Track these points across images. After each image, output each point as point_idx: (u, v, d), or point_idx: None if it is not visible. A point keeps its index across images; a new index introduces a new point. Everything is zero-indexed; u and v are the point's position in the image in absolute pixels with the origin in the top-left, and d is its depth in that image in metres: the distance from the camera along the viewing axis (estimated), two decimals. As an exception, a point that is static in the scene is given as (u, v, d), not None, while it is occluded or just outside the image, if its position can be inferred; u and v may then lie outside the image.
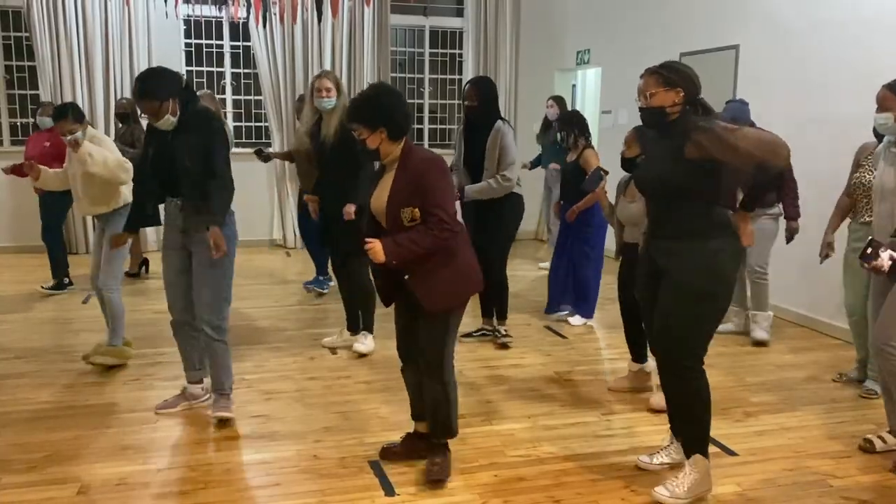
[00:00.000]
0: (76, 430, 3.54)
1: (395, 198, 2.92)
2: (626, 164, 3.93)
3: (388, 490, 3.02)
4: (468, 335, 5.11)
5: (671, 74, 2.89)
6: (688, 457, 3.02)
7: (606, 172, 4.45)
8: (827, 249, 4.27)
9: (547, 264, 6.49)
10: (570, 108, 9.71)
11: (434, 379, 3.07)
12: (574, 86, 9.82)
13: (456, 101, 9.61)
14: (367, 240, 2.90)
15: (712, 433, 3.28)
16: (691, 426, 3.01)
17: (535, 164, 7.90)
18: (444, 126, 9.75)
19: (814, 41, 5.51)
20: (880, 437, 3.45)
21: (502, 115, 4.97)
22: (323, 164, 4.61)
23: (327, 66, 8.56)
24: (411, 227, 2.89)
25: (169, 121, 3.44)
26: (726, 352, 4.95)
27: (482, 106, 4.78)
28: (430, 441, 3.21)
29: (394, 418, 3.75)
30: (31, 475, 3.10)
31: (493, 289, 4.85)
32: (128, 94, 8.11)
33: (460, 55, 9.49)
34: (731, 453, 3.43)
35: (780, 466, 3.30)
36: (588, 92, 9.77)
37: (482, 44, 9.21)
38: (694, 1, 6.88)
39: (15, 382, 4.18)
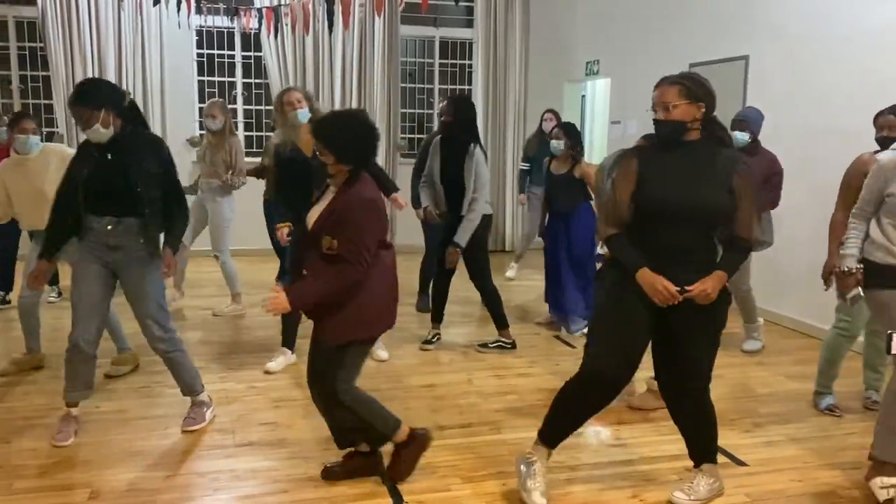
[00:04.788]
0: (86, 437, 3.56)
1: (321, 222, 2.90)
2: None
3: (396, 498, 3.03)
4: (484, 345, 5.12)
5: (696, 88, 2.76)
6: (698, 465, 3.04)
7: None
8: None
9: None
10: (581, 119, 9.80)
11: (333, 407, 3.04)
12: (583, 96, 9.85)
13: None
14: (274, 290, 2.87)
15: (721, 443, 3.27)
16: (713, 439, 3.04)
17: (522, 186, 7.58)
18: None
19: (823, 52, 5.51)
20: None
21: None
22: (297, 178, 4.40)
23: (338, 77, 8.63)
24: (327, 255, 2.85)
25: (99, 132, 3.36)
26: (735, 363, 4.94)
27: (457, 123, 4.91)
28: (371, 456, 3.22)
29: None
30: (42, 480, 3.12)
31: (488, 300, 5.13)
32: (140, 104, 8.19)
33: (470, 66, 9.52)
34: (741, 464, 3.41)
35: (788, 477, 3.29)
36: (597, 103, 9.79)
37: (492, 54, 9.25)
38: (703, 12, 6.90)
39: (25, 389, 4.21)
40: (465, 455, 3.43)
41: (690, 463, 3.10)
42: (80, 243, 3.50)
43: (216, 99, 6.08)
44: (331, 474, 3.19)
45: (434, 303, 5.27)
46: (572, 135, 5.40)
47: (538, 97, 9.37)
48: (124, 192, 3.41)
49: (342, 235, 2.83)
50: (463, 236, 4.86)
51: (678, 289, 2.72)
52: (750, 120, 4.94)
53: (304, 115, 4.45)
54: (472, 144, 4.86)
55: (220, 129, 5.78)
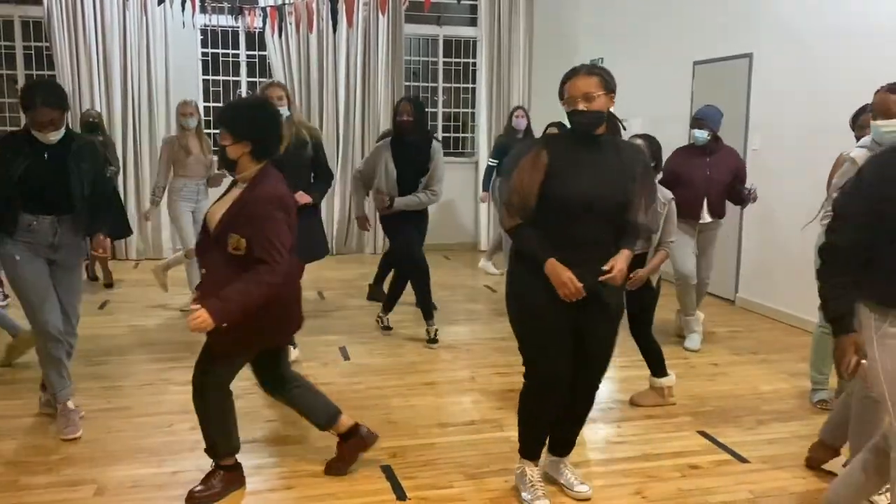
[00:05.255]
0: (92, 433, 3.58)
1: (228, 219, 2.77)
2: None
3: (400, 494, 3.05)
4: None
5: (610, 79, 2.76)
6: (566, 455, 3.15)
7: None
8: None
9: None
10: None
11: (196, 396, 2.96)
12: (587, 94, 9.83)
13: (470, 110, 9.66)
14: (193, 307, 2.69)
15: (724, 440, 3.29)
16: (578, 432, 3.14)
17: (487, 183, 7.29)
18: (458, 134, 9.79)
19: (827, 49, 5.50)
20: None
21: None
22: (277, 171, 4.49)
23: (342, 76, 8.65)
24: (233, 255, 2.73)
25: (59, 134, 3.42)
26: (738, 360, 4.94)
27: (417, 123, 5.03)
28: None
29: (405, 423, 3.77)
30: (49, 477, 3.15)
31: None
32: (145, 103, 8.23)
33: (474, 64, 9.54)
34: (743, 460, 3.42)
35: (791, 474, 3.30)
36: (601, 101, 9.78)
37: (495, 53, 9.26)
38: (707, 9, 6.88)
39: (32, 387, 4.22)
40: (467, 452, 3.45)
41: (693, 460, 3.11)
42: (18, 242, 3.48)
43: (188, 98, 6.04)
44: (333, 469, 3.21)
45: (391, 294, 5.55)
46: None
47: (542, 95, 9.37)
48: (67, 191, 3.47)
49: (254, 233, 2.70)
50: (402, 203, 5.07)
51: (589, 284, 2.71)
52: (709, 118, 5.07)
53: (282, 112, 4.36)
54: (433, 141, 5.16)
55: (196, 126, 5.81)
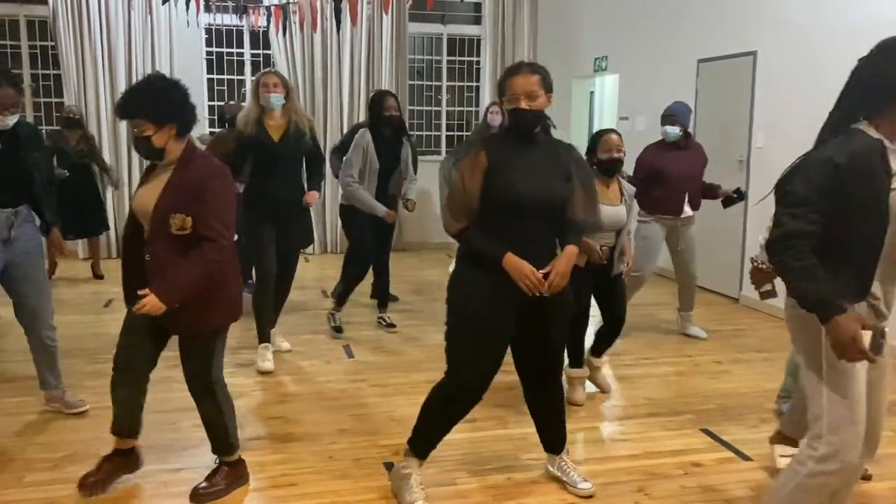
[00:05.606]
0: (96, 431, 3.58)
1: (166, 200, 2.68)
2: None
3: (402, 491, 3.05)
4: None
5: (549, 78, 2.74)
6: (560, 451, 3.14)
7: None
8: None
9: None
10: (590, 115, 9.79)
11: (208, 401, 2.95)
12: (592, 93, 9.84)
13: (474, 108, 9.66)
14: (140, 294, 2.65)
15: (727, 438, 3.28)
16: (564, 423, 3.14)
17: None
18: (461, 133, 9.79)
19: (831, 47, 5.49)
20: None
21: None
22: (271, 165, 4.44)
23: (346, 74, 8.66)
24: (178, 235, 2.67)
25: (16, 117, 3.36)
26: (742, 359, 4.94)
27: (400, 118, 5.23)
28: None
29: (408, 421, 3.74)
30: (53, 473, 3.16)
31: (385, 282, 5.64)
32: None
33: (478, 63, 9.54)
34: (746, 458, 3.42)
35: (794, 472, 3.29)
36: (606, 99, 9.79)
37: (499, 51, 9.26)
38: (711, 7, 6.88)
39: (36, 384, 4.24)
40: (470, 449, 3.46)
41: (695, 458, 3.11)
42: None
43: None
44: (88, 487, 2.97)
45: (348, 292, 5.50)
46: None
47: (546, 94, 9.37)
48: (21, 180, 3.40)
49: (199, 211, 2.66)
50: (415, 192, 5.50)
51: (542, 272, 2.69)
52: (679, 114, 5.15)
53: (276, 99, 4.39)
54: (406, 135, 5.34)
55: None
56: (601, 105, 9.91)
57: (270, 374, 4.49)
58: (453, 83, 9.65)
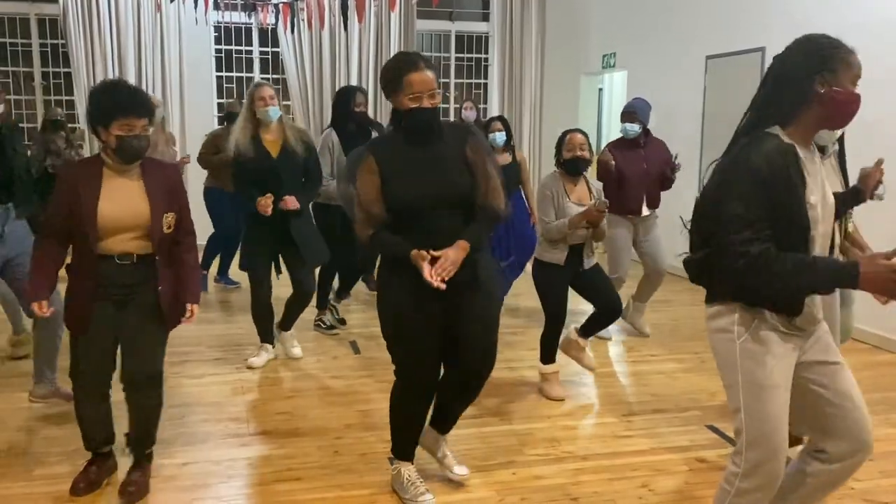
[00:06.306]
0: (105, 425, 3.63)
1: (158, 203, 2.75)
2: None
3: (407, 486, 3.07)
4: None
5: (436, 74, 2.69)
6: (446, 433, 3.11)
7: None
8: None
9: None
10: (598, 112, 9.76)
11: (154, 393, 2.96)
12: (601, 89, 9.82)
13: (482, 105, 9.66)
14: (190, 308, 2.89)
15: (732, 434, 3.25)
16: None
17: None
18: (469, 130, 9.77)
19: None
20: None
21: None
22: (274, 181, 4.30)
23: (354, 72, 8.67)
24: (166, 235, 2.78)
25: None
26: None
27: (365, 113, 5.13)
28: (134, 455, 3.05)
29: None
30: (62, 467, 3.19)
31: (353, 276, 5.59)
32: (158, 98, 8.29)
33: (486, 59, 9.54)
34: (751, 455, 3.41)
35: (799, 468, 3.29)
36: (615, 96, 9.76)
37: (507, 48, 9.26)
38: (720, 3, 6.85)
39: (48, 378, 4.30)
40: (475, 444, 3.47)
41: (701, 454, 3.12)
42: None
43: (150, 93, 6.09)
44: (79, 489, 2.96)
45: (325, 293, 5.33)
46: (508, 126, 5.36)
47: (554, 91, 9.38)
48: (6, 178, 3.43)
49: (181, 206, 2.83)
50: None
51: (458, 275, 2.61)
52: (639, 110, 5.07)
53: (274, 112, 4.32)
54: (376, 128, 5.12)
55: (161, 119, 5.83)
56: (610, 102, 9.89)
57: (277, 371, 4.51)
58: (461, 80, 9.66)
